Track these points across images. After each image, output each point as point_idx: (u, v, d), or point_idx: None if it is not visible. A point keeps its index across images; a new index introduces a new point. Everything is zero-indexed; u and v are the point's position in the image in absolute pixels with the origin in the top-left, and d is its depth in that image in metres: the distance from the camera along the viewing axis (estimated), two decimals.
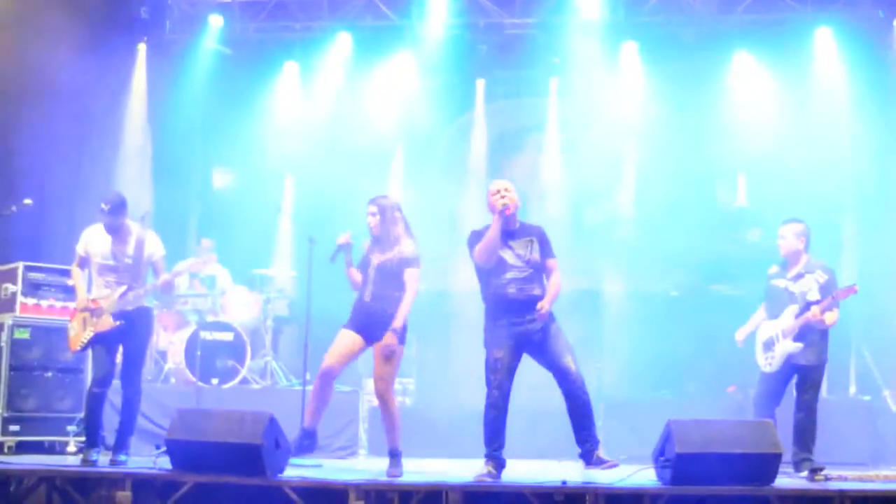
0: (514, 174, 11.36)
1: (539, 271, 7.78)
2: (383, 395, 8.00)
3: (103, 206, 8.36)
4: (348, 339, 8.07)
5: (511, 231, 7.81)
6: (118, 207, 8.39)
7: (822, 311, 8.17)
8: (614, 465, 7.59)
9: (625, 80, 12.02)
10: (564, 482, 7.34)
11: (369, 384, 9.66)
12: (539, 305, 7.58)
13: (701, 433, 7.28)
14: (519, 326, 7.67)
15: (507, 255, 7.74)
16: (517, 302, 7.66)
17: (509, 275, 7.70)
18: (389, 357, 7.96)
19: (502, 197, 7.69)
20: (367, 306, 8.06)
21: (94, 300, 8.35)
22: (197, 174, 13.00)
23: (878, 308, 8.51)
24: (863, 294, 8.39)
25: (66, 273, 9.64)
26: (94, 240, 8.47)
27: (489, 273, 7.76)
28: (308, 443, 8.15)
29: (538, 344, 7.70)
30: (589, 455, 7.69)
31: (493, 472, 7.63)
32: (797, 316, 8.31)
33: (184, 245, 12.10)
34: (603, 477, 7.65)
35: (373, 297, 8.04)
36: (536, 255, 7.77)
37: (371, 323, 8.01)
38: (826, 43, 11.65)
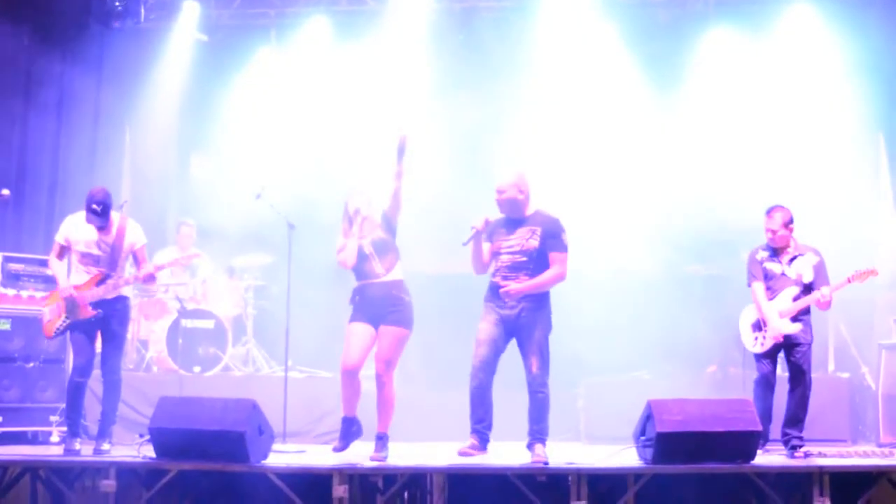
0: (493, 159, 11.37)
1: (534, 260, 7.79)
2: (383, 378, 7.92)
3: (95, 207, 8.33)
4: (361, 331, 7.94)
5: (518, 219, 7.90)
6: (109, 207, 8.40)
7: (832, 292, 8.32)
8: (541, 463, 7.58)
9: (602, 61, 12.03)
10: (546, 463, 7.41)
11: None
12: (505, 283, 7.73)
13: (681, 412, 7.36)
14: (502, 310, 7.78)
15: (505, 243, 7.86)
16: (501, 288, 7.78)
17: (500, 262, 7.86)
18: (402, 339, 7.95)
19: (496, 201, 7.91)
20: (375, 288, 7.95)
21: (76, 286, 8.35)
22: (175, 160, 12.96)
23: (856, 285, 8.57)
24: (841, 272, 8.49)
25: (46, 263, 9.61)
26: (75, 229, 8.46)
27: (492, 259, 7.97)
28: (355, 428, 8.04)
29: (519, 335, 7.81)
30: (531, 446, 7.76)
31: (476, 443, 7.65)
32: (795, 298, 8.41)
33: (162, 232, 12.07)
34: (585, 458, 7.73)
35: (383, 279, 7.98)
36: (534, 244, 7.79)
37: (382, 306, 7.92)
38: (803, 18, 11.68)
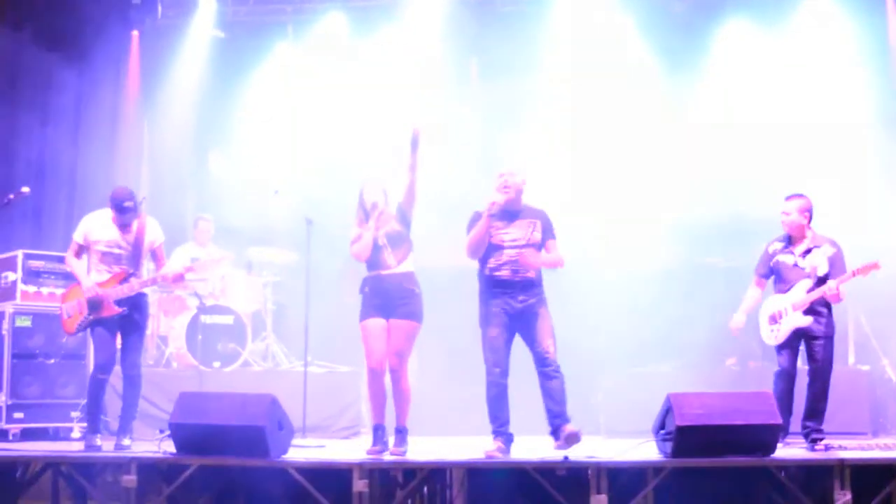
0: (509, 152, 11.36)
1: (539, 252, 7.93)
2: (397, 372, 7.89)
3: (128, 204, 8.36)
4: (377, 327, 7.92)
5: (514, 211, 7.95)
6: (137, 203, 8.45)
7: (839, 286, 8.22)
8: (577, 434, 7.61)
9: (619, 52, 12.00)
10: (566, 457, 7.40)
11: None
12: (521, 252, 7.78)
13: (701, 405, 7.32)
14: (511, 306, 7.83)
15: (506, 236, 7.89)
16: (510, 283, 7.85)
17: (505, 256, 7.86)
18: (412, 333, 7.95)
19: (504, 186, 7.90)
20: (386, 279, 7.94)
21: (100, 284, 8.36)
22: (193, 157, 13.00)
23: (875, 277, 8.50)
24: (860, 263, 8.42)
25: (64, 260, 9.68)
26: (95, 228, 8.47)
27: (486, 253, 7.92)
28: (387, 438, 7.98)
29: (526, 324, 7.86)
30: (557, 432, 7.74)
31: (503, 446, 7.70)
32: (809, 290, 8.33)
33: (181, 228, 12.08)
34: (604, 451, 7.72)
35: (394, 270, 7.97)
36: (538, 236, 7.93)
37: (392, 298, 7.91)
38: (821, 6, 11.63)
